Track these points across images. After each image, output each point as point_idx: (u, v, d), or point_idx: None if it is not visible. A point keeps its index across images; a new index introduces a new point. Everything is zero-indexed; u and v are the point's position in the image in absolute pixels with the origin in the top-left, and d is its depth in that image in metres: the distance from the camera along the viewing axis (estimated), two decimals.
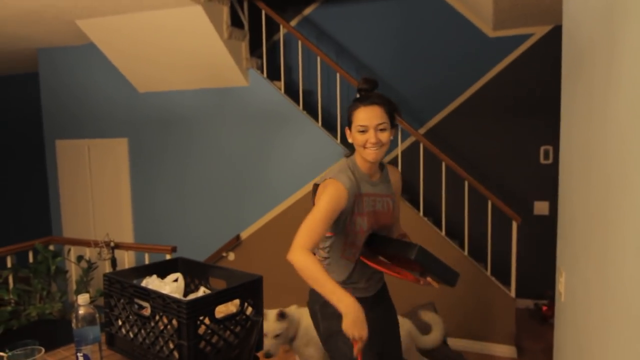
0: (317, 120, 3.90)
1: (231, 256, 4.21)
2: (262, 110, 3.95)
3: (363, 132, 1.68)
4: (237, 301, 1.62)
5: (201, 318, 1.48)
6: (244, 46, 3.86)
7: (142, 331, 1.60)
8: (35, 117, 5.28)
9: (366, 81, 1.77)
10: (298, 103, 3.95)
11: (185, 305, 1.43)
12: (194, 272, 1.93)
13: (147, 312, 1.59)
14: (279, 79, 4.10)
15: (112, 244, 3.22)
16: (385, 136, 1.68)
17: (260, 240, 4.09)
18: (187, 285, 1.89)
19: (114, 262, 3.23)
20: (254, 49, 4.18)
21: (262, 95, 3.95)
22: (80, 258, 3.42)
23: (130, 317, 1.65)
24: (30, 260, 3.40)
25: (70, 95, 4.66)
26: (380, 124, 1.66)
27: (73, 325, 1.46)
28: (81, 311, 1.47)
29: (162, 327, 1.52)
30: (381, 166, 1.88)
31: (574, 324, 1.49)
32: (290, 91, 4.23)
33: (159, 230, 4.42)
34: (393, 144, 4.18)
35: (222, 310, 1.62)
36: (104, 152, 4.55)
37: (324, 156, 3.80)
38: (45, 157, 4.90)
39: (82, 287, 3.28)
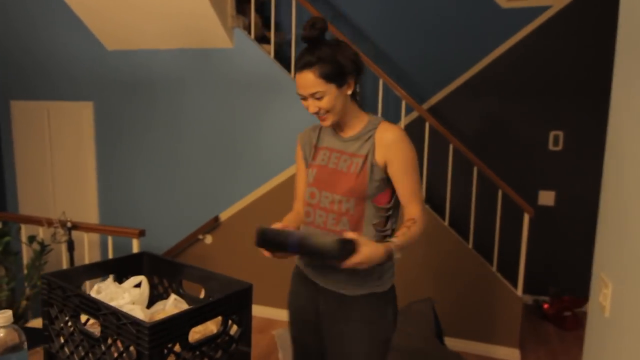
0: None
1: (208, 239, 3.80)
2: (249, 76, 3.49)
3: (304, 99, 1.47)
4: (218, 318, 1.23)
5: (170, 345, 1.09)
6: (230, 1, 3.37)
7: (91, 355, 1.20)
8: None
9: (305, 27, 1.41)
10: (289, 69, 3.50)
11: (147, 329, 1.03)
12: (162, 273, 1.52)
13: (97, 330, 1.19)
14: (268, 42, 3.63)
15: (68, 224, 2.76)
16: (325, 102, 1.42)
17: (242, 223, 3.67)
18: (154, 289, 1.49)
19: (70, 245, 2.78)
20: (241, 5, 3.67)
21: (248, 59, 3.48)
22: (32, 239, 2.96)
23: (75, 335, 1.25)
24: None
25: (27, 50, 4.09)
26: (314, 93, 1.41)
27: None
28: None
29: (115, 355, 1.12)
30: (372, 123, 1.51)
31: (621, 345, 1.25)
32: (281, 56, 3.77)
33: (127, 208, 3.96)
34: (393, 119, 3.78)
35: (199, 330, 1.22)
36: (66, 116, 4.02)
37: None
38: None
39: (33, 272, 2.84)
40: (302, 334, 1.69)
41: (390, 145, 1.45)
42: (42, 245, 2.92)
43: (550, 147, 3.80)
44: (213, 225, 3.74)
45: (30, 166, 4.24)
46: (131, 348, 1.08)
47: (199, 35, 3.42)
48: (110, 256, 3.09)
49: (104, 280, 1.39)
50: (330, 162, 1.52)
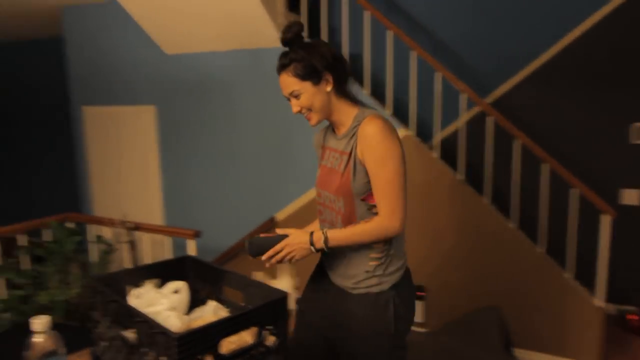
0: (364, 87, 3.37)
1: None
2: None
3: (289, 100, 1.55)
4: (253, 328, 1.18)
5: (199, 357, 1.04)
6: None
7: None
8: (61, 83, 4.97)
9: (283, 31, 1.49)
10: None
11: (175, 340, 0.99)
12: (204, 278, 1.49)
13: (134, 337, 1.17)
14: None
15: (129, 225, 2.86)
16: (303, 100, 1.49)
17: (298, 224, 3.63)
18: (196, 293, 1.46)
19: (132, 245, 2.88)
20: (292, 3, 3.63)
21: None
22: (99, 239, 3.10)
23: (115, 341, 1.24)
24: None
25: (96, 58, 4.31)
26: (292, 92, 1.50)
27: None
28: (37, 339, 1.06)
29: None
30: (357, 118, 1.51)
31: None
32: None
33: (188, 209, 4.06)
34: (452, 116, 3.59)
35: (234, 340, 1.18)
36: (131, 120, 4.20)
37: None
38: (70, 125, 4.62)
39: (100, 271, 2.96)
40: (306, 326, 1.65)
41: (365, 139, 1.43)
42: (109, 244, 3.05)
43: (632, 140, 3.42)
44: (269, 226, 3.74)
45: (101, 169, 4.48)
46: (163, 358, 1.05)
47: (251, 35, 3.43)
48: (172, 257, 3.17)
49: (143, 285, 1.38)
50: (329, 162, 1.58)
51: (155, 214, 4.19)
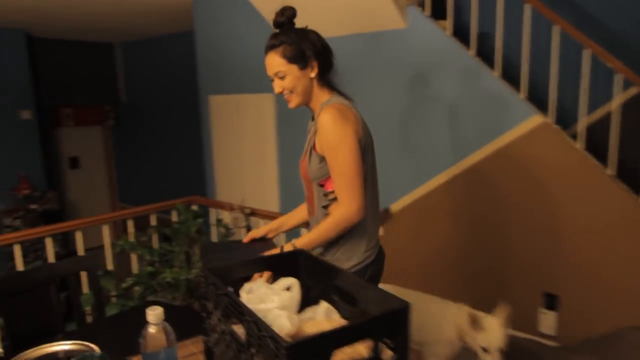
0: (495, 69, 3.03)
1: (380, 231, 3.66)
2: (423, 57, 3.20)
3: (272, 81, 1.60)
4: (369, 340, 1.05)
5: None
6: None
7: (238, 359, 1.14)
8: (191, 74, 5.31)
9: (276, 14, 1.59)
10: (469, 48, 3.11)
11: (285, 350, 0.90)
12: (317, 275, 1.40)
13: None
14: (444, 19, 3.28)
15: (247, 211, 2.92)
16: (287, 82, 1.55)
17: (414, 216, 3.45)
18: (308, 290, 1.37)
19: (249, 230, 2.94)
20: None
21: (423, 39, 3.19)
22: (219, 222, 3.23)
23: (226, 335, 1.20)
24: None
25: (222, 48, 4.50)
26: (277, 72, 1.55)
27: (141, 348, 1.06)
28: (151, 329, 1.05)
29: None
30: (323, 104, 1.60)
31: None
32: (459, 35, 3.38)
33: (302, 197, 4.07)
34: (603, 97, 3.07)
35: (347, 352, 1.06)
36: (251, 109, 4.32)
37: (503, 116, 2.94)
38: (199, 114, 4.91)
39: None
40: None
41: (320, 128, 1.50)
42: (227, 228, 3.17)
43: None
44: (384, 217, 3.59)
45: (224, 155, 4.70)
46: None
47: (372, 18, 3.27)
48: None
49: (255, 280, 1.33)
50: (304, 147, 1.65)
51: (271, 201, 4.28)
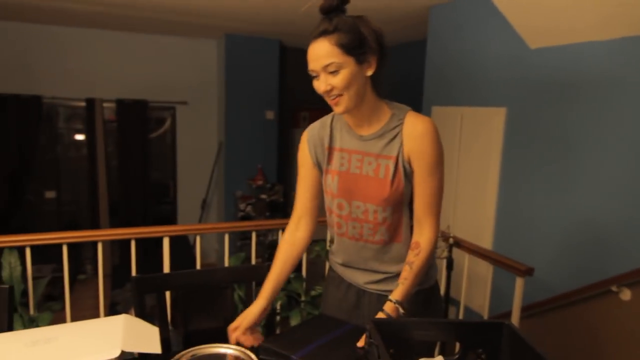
0: None
1: (626, 294, 2.79)
2: None
3: (315, 77, 1.28)
4: None
5: None
6: None
7: None
8: (416, 84, 5.10)
9: None
10: None
11: None
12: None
13: None
14: None
15: (451, 241, 2.52)
16: (339, 80, 1.22)
17: None
18: None
19: (449, 263, 2.53)
20: None
21: None
22: None
23: None
24: None
25: (452, 58, 4.16)
26: (328, 64, 1.22)
27: None
28: None
29: None
30: (396, 116, 1.31)
31: None
32: None
33: (522, 234, 3.41)
34: None
35: None
36: (477, 123, 3.84)
37: None
38: None
39: None
40: None
41: (418, 138, 1.29)
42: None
43: None
44: (635, 276, 2.71)
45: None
46: None
47: None
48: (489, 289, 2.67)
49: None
50: (352, 167, 1.37)
51: (483, 234, 3.73)
